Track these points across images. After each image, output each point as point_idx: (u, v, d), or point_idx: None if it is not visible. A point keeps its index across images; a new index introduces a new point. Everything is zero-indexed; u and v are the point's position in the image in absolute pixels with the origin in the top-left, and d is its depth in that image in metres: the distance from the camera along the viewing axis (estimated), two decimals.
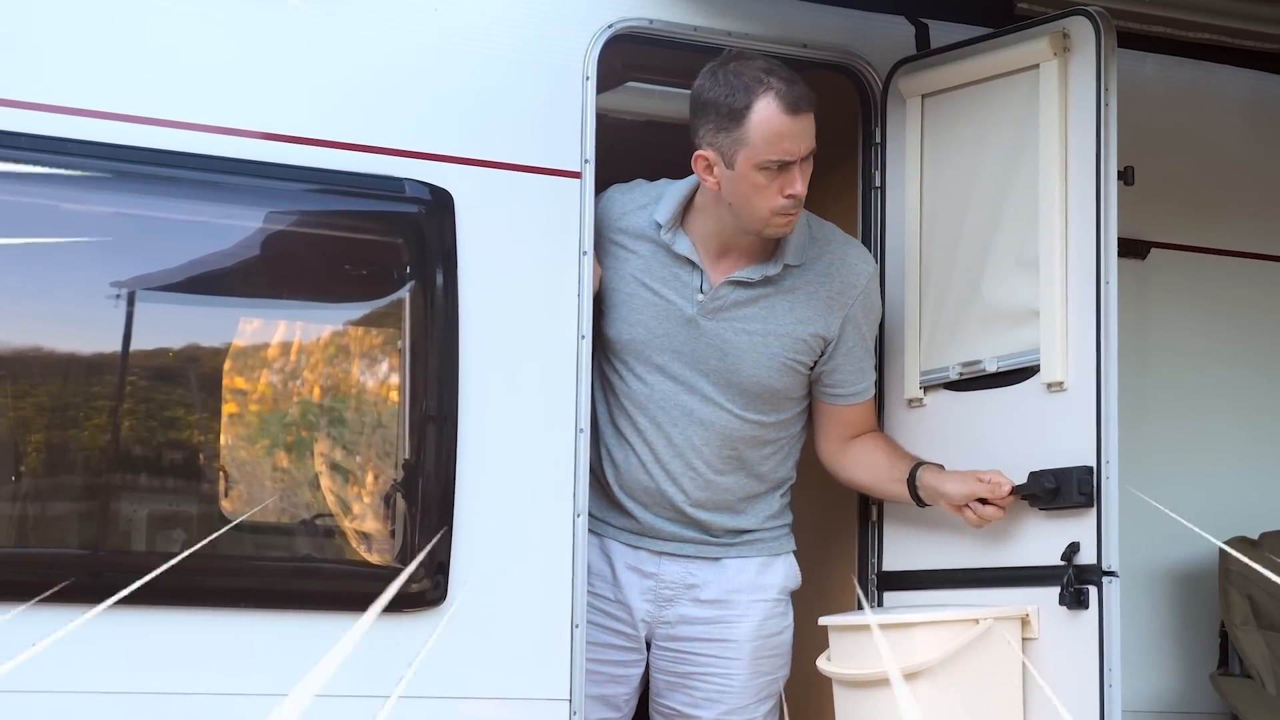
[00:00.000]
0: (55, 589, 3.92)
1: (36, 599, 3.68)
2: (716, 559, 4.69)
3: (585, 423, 4.51)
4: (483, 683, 4.40)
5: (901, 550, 4.85)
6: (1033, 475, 4.52)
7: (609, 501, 4.71)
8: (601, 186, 4.68)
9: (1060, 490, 4.46)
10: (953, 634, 4.44)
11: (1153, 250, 5.40)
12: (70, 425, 4.18)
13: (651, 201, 4.67)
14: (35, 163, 4.15)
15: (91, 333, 4.26)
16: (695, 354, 4.61)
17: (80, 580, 4.07)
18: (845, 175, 5.05)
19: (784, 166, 4.42)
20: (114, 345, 4.25)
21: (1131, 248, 5.30)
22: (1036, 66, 4.64)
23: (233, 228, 4.39)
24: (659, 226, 4.62)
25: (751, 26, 4.78)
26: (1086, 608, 4.42)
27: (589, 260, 4.56)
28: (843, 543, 5.02)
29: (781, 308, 4.63)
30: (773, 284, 4.63)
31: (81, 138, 4.19)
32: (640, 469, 4.66)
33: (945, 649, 4.42)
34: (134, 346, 4.25)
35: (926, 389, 4.85)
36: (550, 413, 4.51)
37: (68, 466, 4.18)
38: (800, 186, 4.42)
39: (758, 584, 4.71)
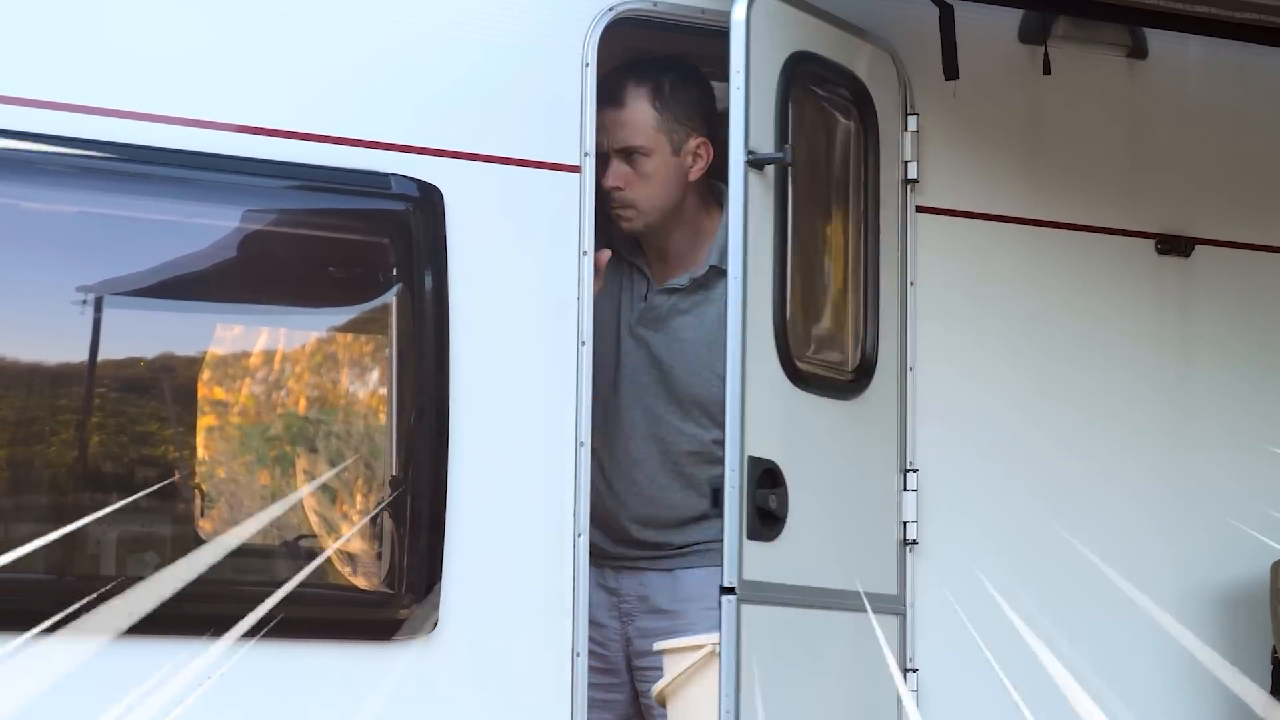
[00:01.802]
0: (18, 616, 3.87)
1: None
2: (669, 570, 4.80)
3: (586, 435, 4.46)
4: (477, 715, 4.31)
5: None
6: None
7: None
8: None
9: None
10: (679, 660, 4.47)
11: (1198, 247, 5.26)
12: (35, 440, 4.07)
13: None
14: None
15: (56, 341, 4.14)
16: (636, 366, 4.77)
17: (46, 607, 3.97)
18: None
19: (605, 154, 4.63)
20: (80, 354, 4.13)
21: (1175, 244, 5.22)
22: None
23: (207, 227, 4.30)
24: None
25: None
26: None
27: (589, 261, 4.50)
28: None
29: (711, 316, 4.69)
30: (705, 290, 4.74)
31: (43, 131, 4.07)
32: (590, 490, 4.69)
33: (671, 674, 4.49)
34: (102, 355, 4.13)
35: None
36: (548, 425, 4.44)
37: (32, 484, 4.07)
38: (607, 179, 4.61)
39: (710, 594, 4.61)
